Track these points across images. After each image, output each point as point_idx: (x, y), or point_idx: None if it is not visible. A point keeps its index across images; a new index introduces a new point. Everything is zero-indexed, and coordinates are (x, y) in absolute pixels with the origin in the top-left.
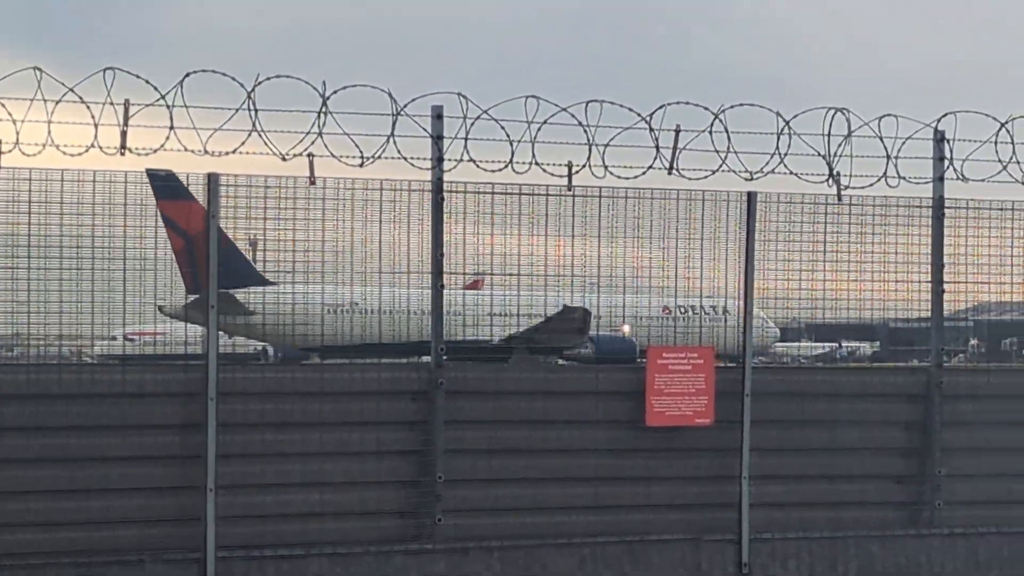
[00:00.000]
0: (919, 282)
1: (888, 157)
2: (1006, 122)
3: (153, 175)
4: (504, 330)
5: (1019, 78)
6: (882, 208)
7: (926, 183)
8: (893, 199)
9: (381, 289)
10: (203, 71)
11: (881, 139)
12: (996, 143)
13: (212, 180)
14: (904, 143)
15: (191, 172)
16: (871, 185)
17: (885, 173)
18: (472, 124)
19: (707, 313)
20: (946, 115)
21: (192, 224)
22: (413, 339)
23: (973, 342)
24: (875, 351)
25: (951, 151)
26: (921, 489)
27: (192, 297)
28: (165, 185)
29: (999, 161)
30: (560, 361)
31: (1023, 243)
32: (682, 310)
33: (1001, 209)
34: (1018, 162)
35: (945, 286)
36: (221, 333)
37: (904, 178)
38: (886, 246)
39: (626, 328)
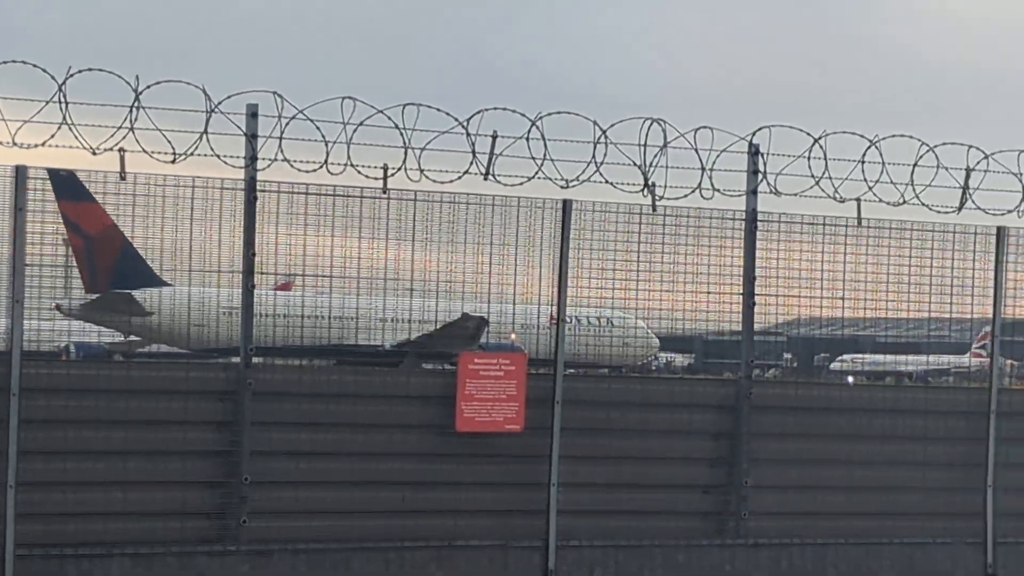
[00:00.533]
0: (731, 294)
1: (703, 169)
2: (819, 137)
3: (54, 174)
4: (395, 336)
5: (833, 96)
6: (696, 219)
7: (740, 196)
8: (707, 211)
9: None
10: (13, 62)
11: (696, 151)
12: (809, 158)
13: (20, 172)
14: (719, 156)
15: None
16: (685, 196)
17: (700, 185)
18: (287, 124)
19: (592, 324)
20: (761, 129)
21: (93, 225)
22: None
23: (787, 356)
24: (690, 363)
25: (765, 165)
26: (728, 499)
27: (92, 296)
28: (66, 185)
29: (812, 176)
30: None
31: (833, 258)
32: (568, 320)
33: (812, 223)
34: (830, 177)
35: (757, 299)
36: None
37: (718, 190)
38: (699, 257)
39: (514, 336)
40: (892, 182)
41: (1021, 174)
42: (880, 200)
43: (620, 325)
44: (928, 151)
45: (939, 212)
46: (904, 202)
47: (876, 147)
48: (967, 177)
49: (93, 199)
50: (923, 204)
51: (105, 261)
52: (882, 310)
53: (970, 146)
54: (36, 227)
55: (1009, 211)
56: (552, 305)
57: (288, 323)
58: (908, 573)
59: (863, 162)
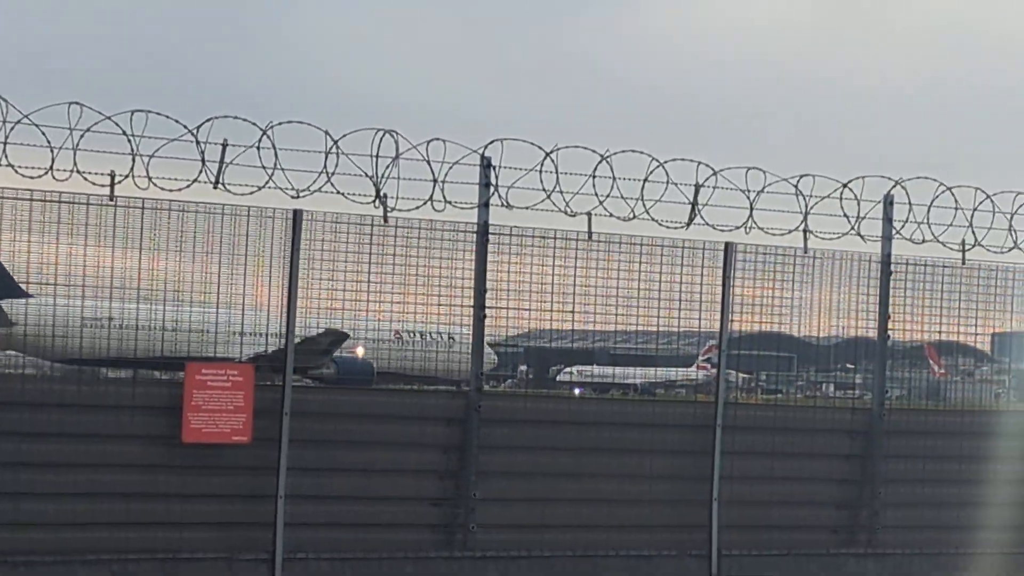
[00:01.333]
0: (463, 306)
1: (435, 181)
2: (551, 152)
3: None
4: (252, 349)
5: (566, 113)
6: (428, 231)
7: (472, 208)
8: (440, 223)
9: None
10: None
11: (429, 163)
12: (541, 172)
13: None
14: (451, 168)
15: None
16: (417, 208)
17: (431, 197)
18: (12, 128)
19: (433, 338)
20: (493, 142)
21: None
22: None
23: (522, 368)
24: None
25: (496, 178)
26: (456, 512)
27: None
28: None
29: (543, 189)
30: (307, 381)
31: (564, 271)
32: (410, 335)
33: (544, 237)
34: (561, 191)
35: (489, 311)
36: None
37: (451, 203)
38: (431, 269)
39: (360, 350)
40: (623, 196)
41: (748, 191)
42: (611, 214)
43: (460, 341)
44: (658, 167)
45: (669, 227)
46: (634, 217)
47: (607, 162)
48: (696, 193)
49: None
50: (653, 219)
51: None
52: (612, 323)
53: (699, 162)
54: None
55: (737, 227)
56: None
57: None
58: None
59: (594, 176)
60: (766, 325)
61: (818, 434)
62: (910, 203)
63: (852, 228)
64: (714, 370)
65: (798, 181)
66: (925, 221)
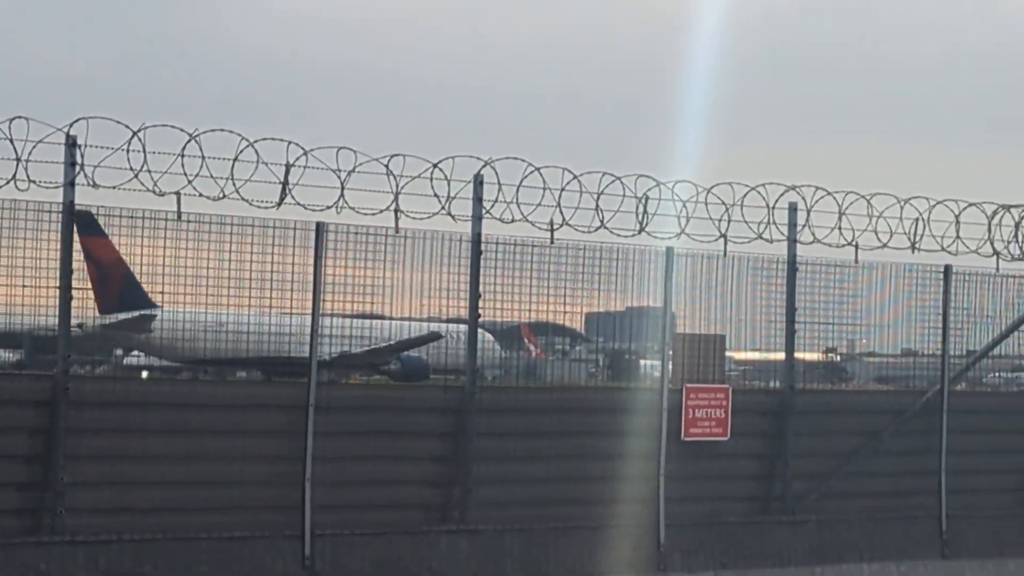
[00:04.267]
0: (48, 288)
1: (18, 160)
2: (138, 130)
3: (78, 214)
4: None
5: (167, 91)
6: (11, 211)
7: (57, 187)
8: (23, 202)
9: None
10: None
11: (11, 141)
12: (128, 151)
13: None
14: (35, 146)
15: None
16: (0, 187)
17: (15, 176)
18: None
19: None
20: (79, 120)
21: (106, 257)
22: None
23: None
24: (19, 359)
25: (83, 156)
26: (44, 496)
27: (110, 317)
28: (86, 223)
29: (131, 168)
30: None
31: (153, 251)
32: None
33: (132, 216)
34: (150, 171)
35: (76, 293)
36: None
37: (35, 182)
38: (15, 251)
39: None
40: (212, 176)
41: (339, 170)
42: (201, 194)
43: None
44: (248, 146)
45: (260, 207)
46: (224, 196)
47: (196, 141)
48: (287, 172)
49: (105, 235)
50: (244, 199)
51: (112, 287)
52: (204, 304)
53: (290, 142)
54: None
55: (328, 207)
56: None
57: None
58: (227, 567)
59: (183, 156)
60: (359, 306)
61: (411, 413)
62: (499, 183)
63: (443, 208)
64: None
65: (389, 161)
66: (515, 201)
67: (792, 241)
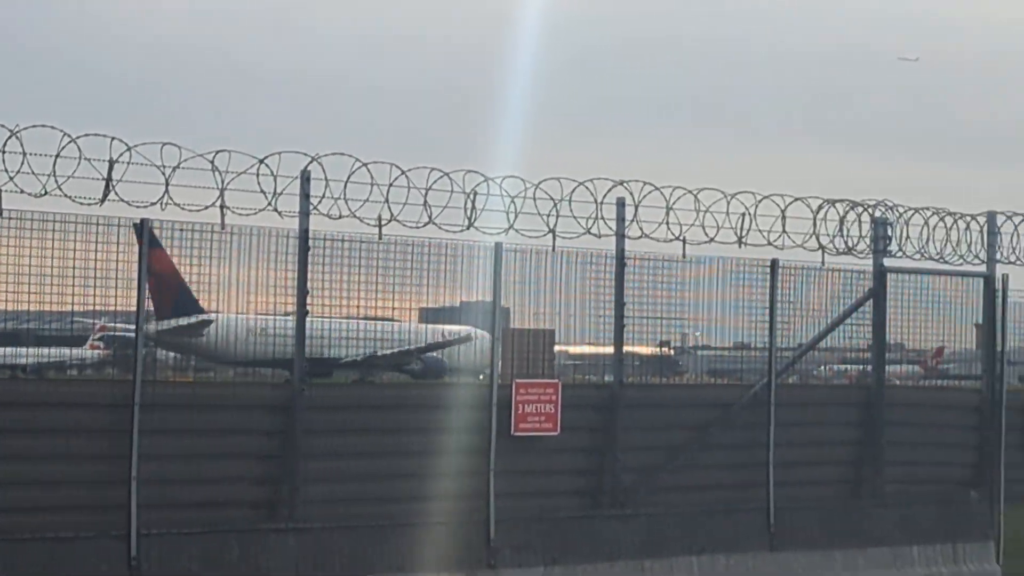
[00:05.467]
0: None
1: None
2: None
3: (137, 226)
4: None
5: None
6: None
7: None
8: None
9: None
10: None
11: None
12: None
13: None
14: None
15: None
16: None
17: None
18: None
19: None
20: None
21: (161, 267)
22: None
23: None
24: None
25: None
26: None
27: (165, 323)
28: (146, 236)
29: None
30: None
31: None
32: None
33: None
34: None
35: None
36: None
37: None
38: None
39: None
40: (34, 172)
41: (164, 166)
42: (22, 191)
43: None
44: (71, 142)
45: (83, 203)
46: (47, 193)
47: (17, 137)
48: (110, 168)
49: (161, 246)
50: (66, 195)
51: (169, 295)
52: (26, 303)
53: (113, 137)
54: None
55: (153, 203)
56: None
57: None
58: (51, 569)
59: (4, 152)
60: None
61: (240, 411)
62: (326, 178)
63: (269, 204)
64: (107, 350)
65: (214, 157)
66: (342, 197)
67: (620, 236)
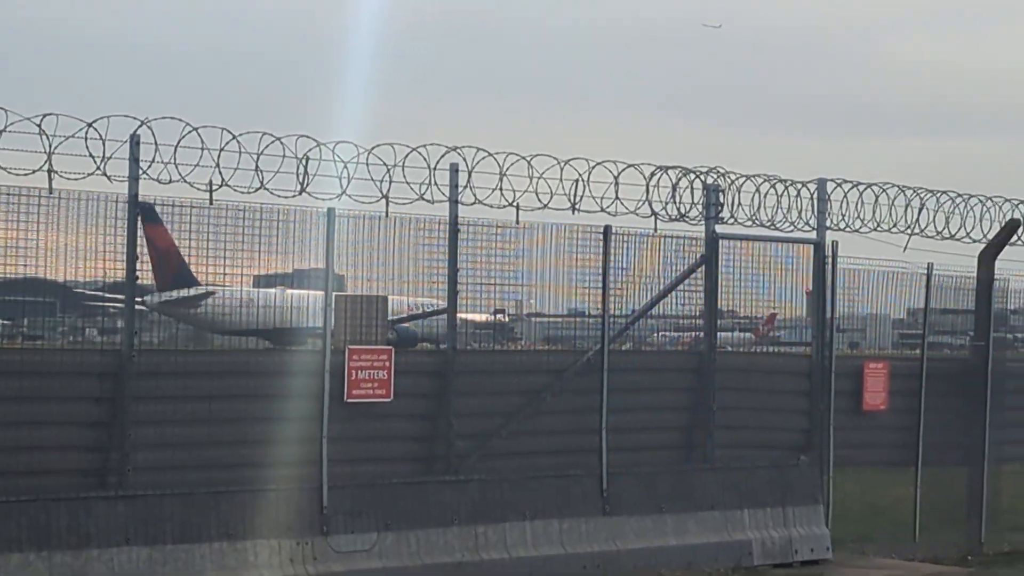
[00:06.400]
0: None
1: None
2: None
3: (141, 205)
4: None
5: None
6: None
7: None
8: None
9: None
10: None
11: None
12: None
13: None
14: None
15: None
16: None
17: None
18: None
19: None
20: None
21: (162, 242)
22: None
23: None
24: None
25: None
26: None
27: (166, 295)
28: (148, 213)
29: None
30: None
31: None
32: None
33: None
34: None
35: None
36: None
37: None
38: None
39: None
40: None
41: None
42: None
43: None
44: None
45: None
46: None
47: None
48: None
49: (161, 223)
50: None
51: (169, 269)
52: None
53: None
54: None
55: None
56: None
57: None
58: None
59: None
60: (21, 270)
61: (69, 377)
62: (156, 143)
63: (98, 168)
64: None
65: (42, 120)
66: (172, 161)
67: (454, 202)
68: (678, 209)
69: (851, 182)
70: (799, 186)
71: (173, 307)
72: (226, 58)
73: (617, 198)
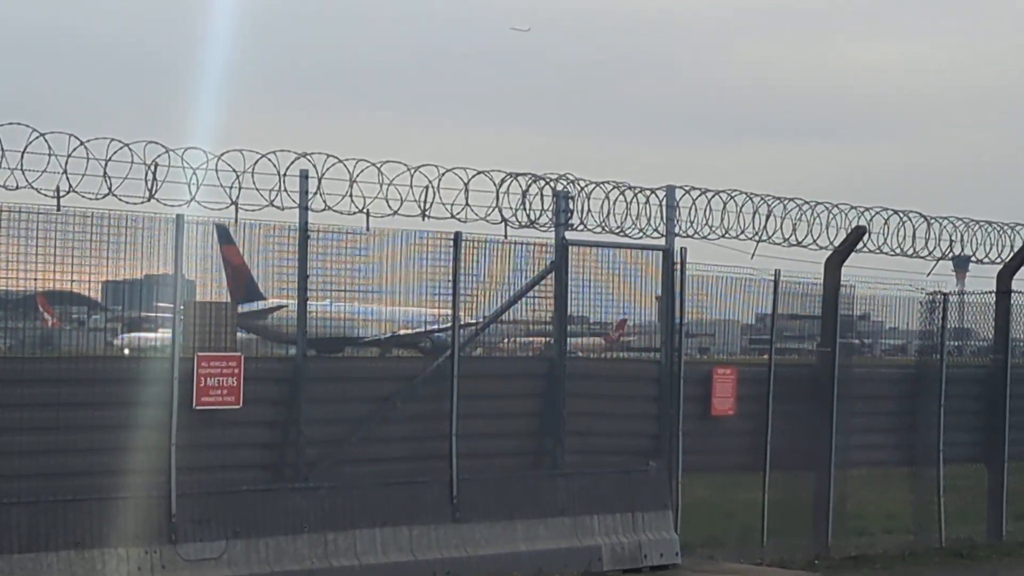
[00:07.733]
0: None
1: None
2: None
3: (218, 227)
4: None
5: None
6: None
7: None
8: None
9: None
10: None
11: None
12: None
13: None
14: None
15: None
16: None
17: None
18: None
19: None
20: None
21: (235, 261)
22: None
23: None
24: None
25: None
26: None
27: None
28: (223, 234)
29: None
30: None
31: None
32: None
33: None
34: None
35: None
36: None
37: None
38: None
39: None
40: None
41: None
42: None
43: None
44: None
45: None
46: None
47: None
48: None
49: (234, 242)
50: None
51: (241, 284)
52: None
53: None
54: None
55: None
56: None
57: None
58: None
59: None
60: None
61: None
62: (3, 149)
63: None
64: None
65: None
66: (19, 167)
67: (303, 208)
68: (528, 216)
69: (699, 189)
70: (648, 193)
71: (244, 320)
72: (76, 62)
73: (467, 204)
